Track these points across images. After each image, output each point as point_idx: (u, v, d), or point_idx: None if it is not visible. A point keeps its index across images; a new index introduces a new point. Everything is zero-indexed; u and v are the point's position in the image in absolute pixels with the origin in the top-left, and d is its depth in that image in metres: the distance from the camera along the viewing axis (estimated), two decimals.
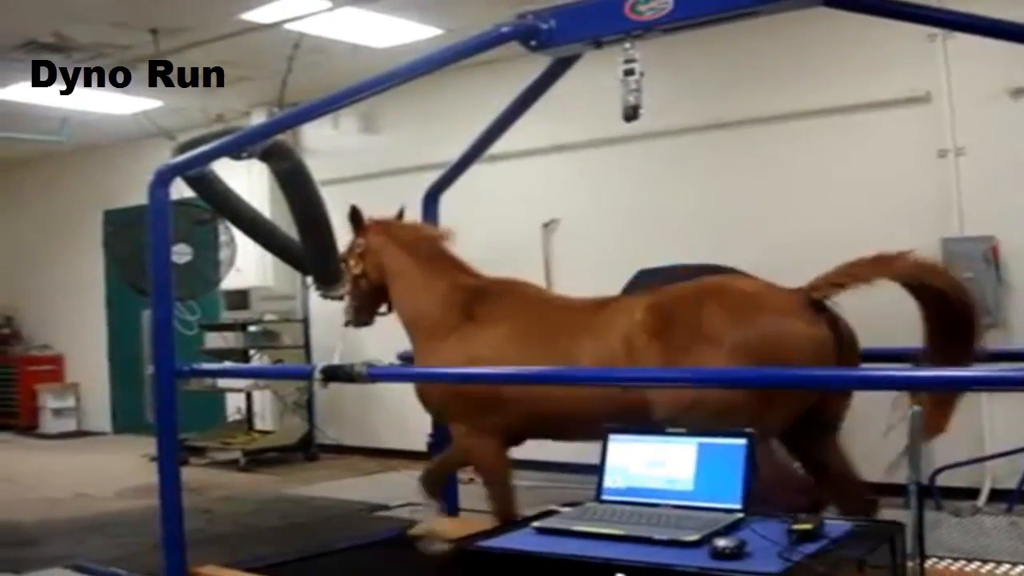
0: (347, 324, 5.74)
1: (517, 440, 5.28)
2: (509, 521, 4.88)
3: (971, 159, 7.11)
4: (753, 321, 4.26)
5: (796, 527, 2.91)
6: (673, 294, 4.62)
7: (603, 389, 4.48)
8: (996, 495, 6.81)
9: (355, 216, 5.61)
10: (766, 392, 4.02)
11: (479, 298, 5.25)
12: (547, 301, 5.33)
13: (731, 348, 4.17)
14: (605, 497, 3.35)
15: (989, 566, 4.82)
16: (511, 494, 5.17)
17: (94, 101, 10.32)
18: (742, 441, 3.22)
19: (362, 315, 5.69)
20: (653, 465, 3.31)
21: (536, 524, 3.21)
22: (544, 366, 4.67)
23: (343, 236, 6.32)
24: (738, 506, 3.12)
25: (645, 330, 4.46)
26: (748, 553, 2.76)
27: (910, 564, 2.84)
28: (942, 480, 6.10)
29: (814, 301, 4.21)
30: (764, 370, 3.94)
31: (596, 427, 4.08)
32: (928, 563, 3.33)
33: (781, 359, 4.05)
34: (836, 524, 3.06)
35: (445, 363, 5.09)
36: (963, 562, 4.79)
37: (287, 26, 8.27)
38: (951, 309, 3.97)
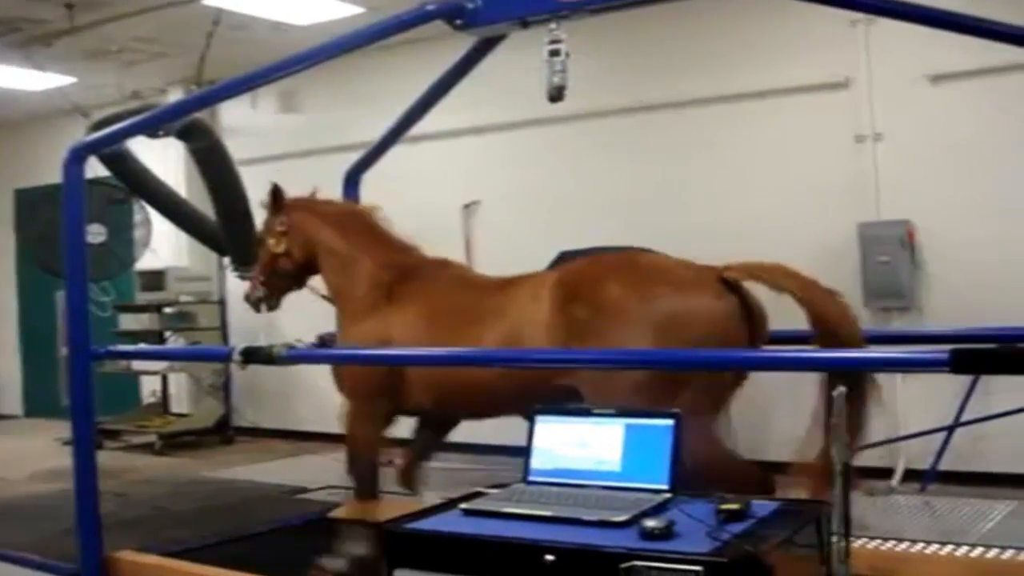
0: (256, 307, 5.68)
1: (440, 424, 5.30)
2: (363, 504, 5.07)
3: (889, 145, 7.22)
4: (655, 293, 4.27)
5: (724, 507, 2.92)
6: (577, 269, 4.65)
7: (505, 369, 4.49)
8: (910, 475, 6.93)
9: (276, 194, 5.54)
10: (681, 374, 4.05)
11: (402, 278, 5.23)
12: (462, 281, 5.30)
13: (634, 322, 4.19)
14: (532, 478, 3.34)
15: (904, 545, 4.90)
16: (372, 481, 5.25)
17: (5, 76, 10.05)
18: (669, 422, 3.22)
19: (273, 297, 5.64)
20: (580, 446, 3.30)
21: (463, 506, 3.18)
22: (450, 347, 4.65)
23: (262, 216, 6.25)
24: (666, 486, 3.13)
25: (550, 307, 4.47)
26: (677, 533, 2.76)
27: (835, 542, 2.86)
28: (856, 460, 6.18)
29: (724, 279, 4.24)
30: (667, 351, 4.00)
31: (502, 408, 4.09)
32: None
33: (685, 333, 4.08)
34: (763, 504, 3.07)
35: (356, 343, 5.12)
36: (879, 541, 4.87)
37: (206, 1, 8.14)
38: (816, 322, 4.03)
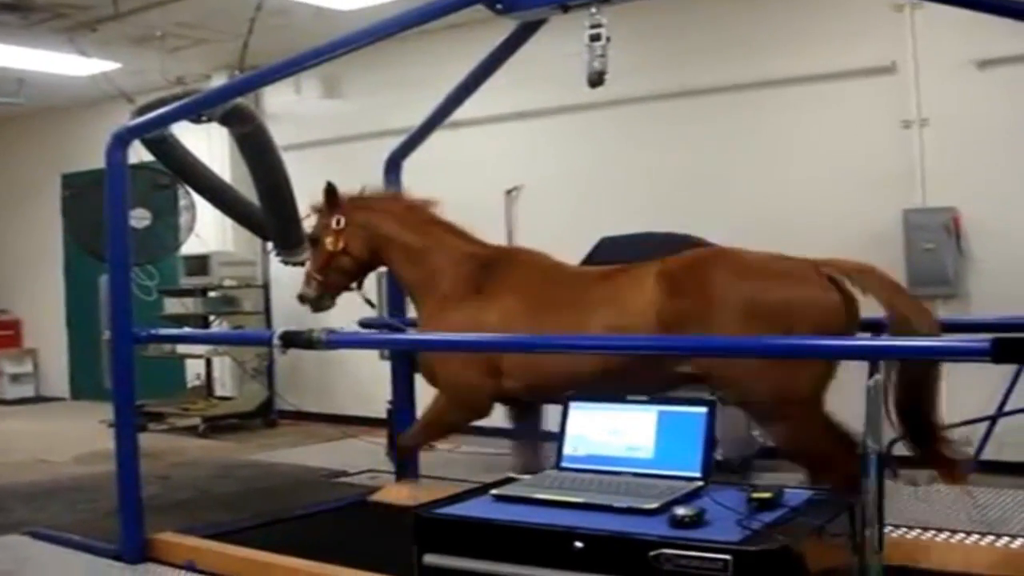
0: (313, 308, 5.71)
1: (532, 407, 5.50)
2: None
3: (935, 130, 7.12)
4: (765, 284, 4.39)
5: (755, 495, 2.91)
6: (679, 262, 4.71)
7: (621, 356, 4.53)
8: None
9: (331, 193, 5.56)
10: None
11: (486, 268, 5.30)
12: (554, 271, 5.34)
13: (744, 312, 4.29)
14: (564, 465, 3.34)
15: (944, 535, 4.86)
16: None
17: (52, 62, 10.14)
18: (702, 410, 3.21)
19: (328, 295, 5.68)
20: (613, 433, 3.30)
21: (495, 491, 3.19)
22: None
23: (304, 201, 6.27)
24: (698, 474, 3.12)
25: (657, 296, 4.56)
26: (707, 521, 2.75)
27: (868, 533, 2.84)
28: (898, 450, 6.12)
29: (822, 273, 4.37)
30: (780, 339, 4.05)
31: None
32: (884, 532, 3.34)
33: (797, 323, 4.18)
34: (795, 492, 3.06)
35: (455, 331, 5.11)
36: (919, 531, 4.83)
37: None
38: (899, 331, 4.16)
